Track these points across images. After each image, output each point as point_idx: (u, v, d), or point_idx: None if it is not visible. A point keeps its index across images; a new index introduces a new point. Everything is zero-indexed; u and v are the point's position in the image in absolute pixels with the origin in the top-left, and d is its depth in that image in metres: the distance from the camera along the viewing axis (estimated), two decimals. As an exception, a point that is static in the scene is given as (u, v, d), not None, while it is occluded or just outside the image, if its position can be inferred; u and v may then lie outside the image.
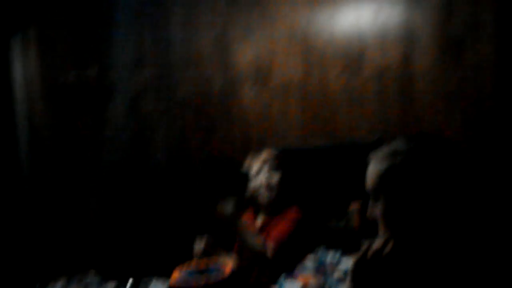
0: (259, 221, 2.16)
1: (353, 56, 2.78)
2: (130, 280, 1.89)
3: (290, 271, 1.54)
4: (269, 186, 2.10)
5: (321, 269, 1.53)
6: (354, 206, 2.48)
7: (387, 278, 1.13)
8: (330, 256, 1.63)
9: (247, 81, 3.14)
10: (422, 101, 2.62)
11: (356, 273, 1.15)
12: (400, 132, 2.66)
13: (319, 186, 2.51)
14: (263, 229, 2.10)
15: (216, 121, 3.28)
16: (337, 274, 1.50)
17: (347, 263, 1.57)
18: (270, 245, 1.88)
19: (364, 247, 1.16)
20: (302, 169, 2.47)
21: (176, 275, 1.66)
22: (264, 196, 2.11)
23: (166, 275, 2.05)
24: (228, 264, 1.72)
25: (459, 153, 1.15)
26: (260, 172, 2.11)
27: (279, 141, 3.01)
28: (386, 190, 1.12)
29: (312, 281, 1.45)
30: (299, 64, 2.94)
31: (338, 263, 1.58)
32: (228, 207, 1.84)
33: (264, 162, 2.13)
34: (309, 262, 1.59)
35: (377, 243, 1.13)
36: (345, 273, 1.50)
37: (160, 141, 3.46)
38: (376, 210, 1.16)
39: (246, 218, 2.25)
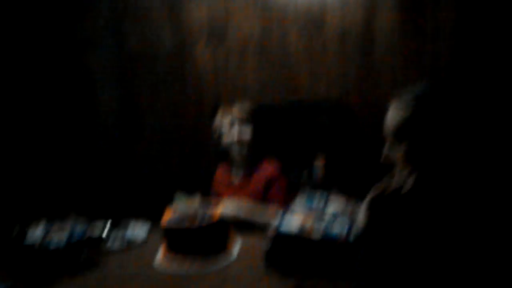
0: (234, 177, 2.16)
1: (314, 17, 2.82)
2: (109, 221, 1.83)
3: (286, 208, 1.57)
4: (241, 141, 2.10)
5: (312, 209, 1.58)
6: (318, 161, 2.57)
7: (403, 214, 1.20)
8: (318, 196, 1.69)
9: (202, 37, 3.08)
10: (381, 64, 2.73)
11: (372, 208, 1.21)
12: (359, 92, 2.77)
13: (287, 141, 2.56)
14: (241, 185, 2.10)
15: (167, 77, 3.19)
16: (328, 213, 1.55)
17: (335, 202, 1.63)
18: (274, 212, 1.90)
19: (381, 184, 1.22)
20: (271, 124, 2.50)
21: (167, 217, 1.62)
22: (236, 151, 2.11)
23: (146, 217, 2.00)
24: (217, 208, 1.71)
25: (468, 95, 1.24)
26: (232, 128, 2.11)
27: (235, 100, 3.00)
28: (410, 132, 1.17)
29: (309, 218, 1.50)
30: (257, 21, 2.93)
31: (326, 202, 1.64)
32: None
33: (235, 117, 2.12)
34: (300, 202, 1.64)
35: (397, 180, 1.20)
36: (335, 214, 1.56)
37: (107, 97, 3.32)
38: (395, 152, 1.21)
39: (219, 174, 2.24)
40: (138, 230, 1.90)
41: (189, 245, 1.53)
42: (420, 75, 2.62)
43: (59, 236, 1.56)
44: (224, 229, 1.63)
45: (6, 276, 1.49)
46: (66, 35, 3.31)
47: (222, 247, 1.61)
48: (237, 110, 2.12)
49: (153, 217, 1.93)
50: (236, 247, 1.67)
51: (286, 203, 1.93)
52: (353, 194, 1.80)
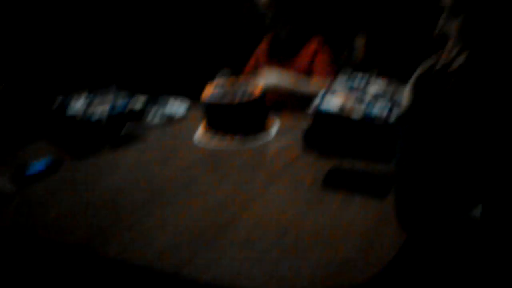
0: (278, 52, 2.07)
1: None
2: (149, 96, 1.84)
3: (327, 86, 1.52)
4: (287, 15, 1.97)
5: (354, 88, 1.53)
6: (359, 39, 2.45)
7: (450, 95, 1.13)
8: (359, 76, 1.62)
9: None
10: None
11: (418, 86, 1.14)
12: None
13: (329, 18, 2.42)
14: (284, 60, 2.03)
15: None
16: (370, 93, 1.50)
17: (377, 83, 1.57)
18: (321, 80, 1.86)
19: (431, 59, 1.13)
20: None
21: (208, 92, 1.61)
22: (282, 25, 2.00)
23: (186, 95, 2.01)
24: (257, 85, 1.68)
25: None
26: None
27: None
28: (469, 2, 1.05)
29: (349, 98, 1.45)
30: None
31: (368, 82, 1.58)
32: None
33: None
34: (341, 80, 1.58)
35: (448, 55, 1.11)
36: (376, 95, 1.50)
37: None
38: (450, 25, 1.11)
39: (262, 49, 2.15)
40: (177, 107, 1.91)
41: (229, 121, 1.53)
42: None
43: (101, 108, 1.57)
44: (264, 106, 1.61)
45: (49, 148, 1.55)
46: None
47: (261, 124, 1.61)
48: None
49: (193, 95, 1.92)
50: (275, 125, 1.67)
51: (329, 76, 1.87)
52: (395, 75, 1.73)
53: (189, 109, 1.88)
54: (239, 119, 1.54)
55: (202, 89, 1.71)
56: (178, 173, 1.37)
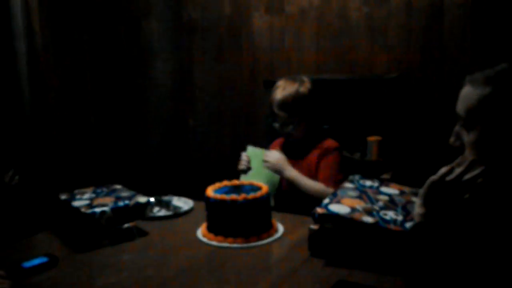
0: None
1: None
2: (154, 197, 1.82)
3: (332, 194, 1.47)
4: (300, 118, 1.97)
5: (363, 195, 1.47)
6: (372, 139, 2.44)
7: (464, 204, 1.08)
8: (368, 184, 1.57)
9: (260, 7, 2.98)
10: (448, 39, 2.53)
11: (431, 195, 1.09)
12: (422, 69, 2.59)
13: (344, 118, 2.45)
14: (295, 162, 2.01)
15: (224, 48, 3.14)
16: (382, 201, 1.44)
17: (387, 191, 1.52)
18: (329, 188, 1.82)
19: (443, 170, 1.09)
20: (330, 99, 2.38)
21: (210, 192, 1.57)
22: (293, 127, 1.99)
23: (187, 195, 1.99)
24: (263, 185, 1.64)
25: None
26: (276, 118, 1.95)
27: (292, 72, 2.90)
28: (486, 115, 1.01)
29: (359, 205, 1.39)
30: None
31: (378, 190, 1.52)
32: None
33: (275, 107, 1.92)
34: (348, 187, 1.53)
35: (461, 167, 1.07)
36: (390, 200, 1.45)
37: (162, 65, 3.33)
38: (466, 134, 1.08)
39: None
40: (183, 203, 1.89)
41: (233, 218, 1.48)
42: (492, 55, 2.40)
43: (106, 201, 1.55)
44: (269, 205, 1.56)
45: (50, 241, 1.52)
46: (122, 4, 3.32)
47: (267, 223, 1.55)
48: (296, 85, 1.91)
49: (199, 196, 1.91)
50: (279, 225, 1.61)
51: (335, 181, 1.85)
52: (408, 180, 1.68)
53: (194, 206, 1.84)
54: (243, 217, 1.48)
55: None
56: (178, 274, 1.30)
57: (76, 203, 1.54)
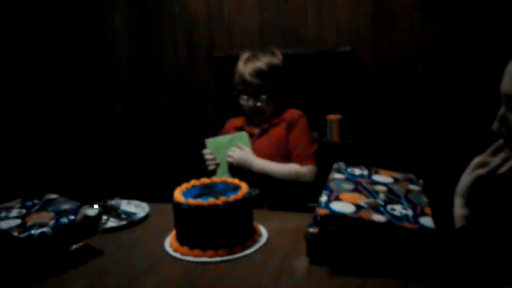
0: (252, 128, 1.83)
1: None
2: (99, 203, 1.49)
3: (326, 189, 1.27)
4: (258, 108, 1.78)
5: (359, 188, 1.28)
6: (332, 118, 2.27)
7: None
8: (358, 172, 1.39)
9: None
10: (397, 10, 2.41)
11: (477, 192, 0.92)
12: (371, 42, 2.46)
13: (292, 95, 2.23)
14: (259, 135, 1.81)
15: (153, 20, 2.79)
16: (381, 192, 1.26)
17: (381, 179, 1.34)
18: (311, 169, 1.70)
19: (492, 163, 0.92)
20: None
21: (180, 197, 1.29)
22: (253, 117, 1.81)
23: (133, 197, 1.69)
24: (239, 182, 1.39)
25: None
26: (245, 92, 1.78)
27: (234, 47, 2.64)
28: None
29: (361, 200, 1.19)
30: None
31: (371, 180, 1.35)
32: None
33: (244, 80, 1.75)
34: (340, 179, 1.33)
35: (506, 158, 0.90)
36: (389, 191, 1.27)
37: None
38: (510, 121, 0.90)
39: (231, 126, 1.90)
40: (135, 207, 1.58)
41: (214, 227, 1.22)
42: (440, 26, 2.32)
43: (43, 218, 1.21)
44: (251, 204, 1.32)
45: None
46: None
47: (250, 227, 1.31)
48: (269, 55, 1.76)
49: (148, 196, 1.67)
50: (260, 225, 1.38)
51: (311, 154, 1.72)
52: (372, 162, 1.54)
53: (150, 213, 1.54)
54: (225, 224, 1.23)
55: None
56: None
57: (2, 225, 1.19)
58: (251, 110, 1.77)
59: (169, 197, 1.31)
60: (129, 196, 1.67)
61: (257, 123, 1.82)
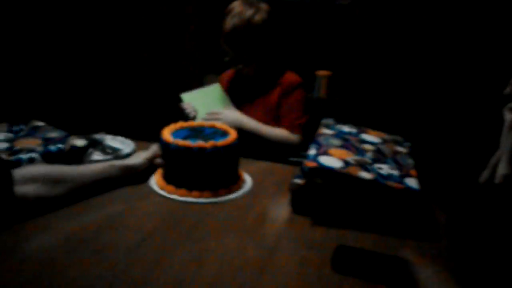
0: (244, 88, 1.79)
1: None
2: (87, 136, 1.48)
3: (314, 143, 1.28)
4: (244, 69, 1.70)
5: (348, 145, 1.30)
6: (321, 74, 2.26)
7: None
8: (347, 130, 1.41)
9: None
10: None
11: None
12: None
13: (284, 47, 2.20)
14: (251, 97, 1.76)
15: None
16: (369, 151, 1.28)
17: (369, 138, 1.37)
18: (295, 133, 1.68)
19: None
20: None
21: (168, 136, 1.28)
22: (243, 73, 1.72)
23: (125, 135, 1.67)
24: (228, 128, 1.39)
25: None
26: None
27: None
28: None
29: (349, 157, 1.21)
30: None
31: (359, 138, 1.37)
32: None
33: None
34: (328, 134, 1.35)
35: None
36: (377, 150, 1.30)
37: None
38: None
39: (223, 82, 1.85)
40: (121, 144, 1.57)
41: (200, 169, 1.23)
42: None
43: (32, 144, 1.20)
44: (238, 151, 1.33)
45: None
46: None
47: (235, 173, 1.33)
48: (251, 11, 1.62)
49: (136, 135, 1.63)
50: (245, 173, 1.39)
51: (300, 124, 1.67)
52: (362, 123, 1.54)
53: (135, 150, 1.53)
54: (212, 167, 1.24)
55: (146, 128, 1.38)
56: (144, 239, 1.04)
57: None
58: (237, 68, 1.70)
59: (153, 137, 1.30)
60: (113, 133, 1.65)
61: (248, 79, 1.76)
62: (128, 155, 1.49)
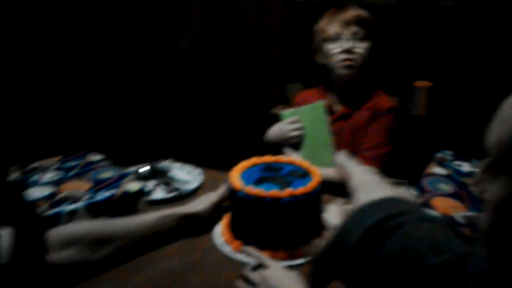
0: (334, 103, 1.57)
1: None
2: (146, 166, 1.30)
3: (418, 187, 1.00)
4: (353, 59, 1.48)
5: (460, 192, 1.00)
6: (421, 85, 1.93)
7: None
8: (466, 167, 1.10)
9: None
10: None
11: None
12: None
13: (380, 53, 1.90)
14: (343, 115, 1.55)
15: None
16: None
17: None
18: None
19: None
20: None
21: (237, 181, 1.05)
22: (343, 73, 1.49)
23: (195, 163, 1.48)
24: (309, 166, 1.14)
25: None
26: (340, 37, 1.47)
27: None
28: None
29: (457, 213, 0.92)
30: None
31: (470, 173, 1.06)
32: None
33: (345, 25, 1.47)
34: (440, 175, 1.06)
35: None
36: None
37: None
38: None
39: (306, 97, 1.63)
40: (187, 174, 1.38)
41: (274, 223, 0.99)
42: None
43: (76, 190, 1.02)
44: (321, 198, 1.07)
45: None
46: None
47: (318, 224, 1.07)
48: (353, 15, 1.48)
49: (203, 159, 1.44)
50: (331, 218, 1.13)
51: (380, 156, 1.46)
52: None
53: (203, 183, 1.33)
54: (288, 221, 0.99)
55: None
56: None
57: (33, 192, 1.01)
58: (341, 59, 1.47)
59: (228, 165, 1.09)
60: (181, 158, 1.47)
61: (340, 95, 1.56)
62: (194, 191, 1.30)
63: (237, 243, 1.03)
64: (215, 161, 1.52)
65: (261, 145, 1.56)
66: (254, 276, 0.88)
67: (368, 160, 1.43)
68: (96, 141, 1.57)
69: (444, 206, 0.94)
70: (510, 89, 0.56)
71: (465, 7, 1.91)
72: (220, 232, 1.09)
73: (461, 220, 0.90)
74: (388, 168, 1.45)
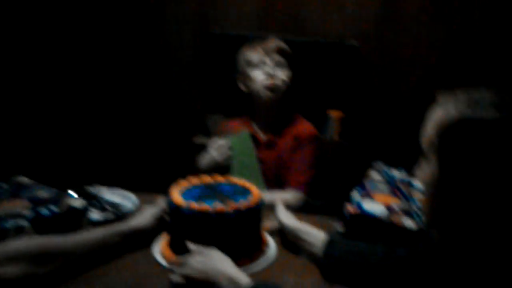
0: (259, 132, 1.67)
1: None
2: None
3: (360, 186, 1.18)
4: (278, 84, 1.60)
5: (395, 190, 1.17)
6: (334, 114, 2.11)
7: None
8: (397, 174, 1.27)
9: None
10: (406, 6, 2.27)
11: None
12: (377, 36, 2.31)
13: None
14: (268, 143, 1.65)
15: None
16: (417, 197, 1.16)
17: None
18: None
19: None
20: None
21: (179, 198, 1.09)
22: (268, 97, 1.60)
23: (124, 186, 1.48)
24: (246, 183, 1.21)
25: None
26: (263, 63, 1.59)
27: (231, 26, 2.43)
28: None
29: (394, 203, 1.10)
30: None
31: (409, 182, 1.23)
32: None
33: (267, 53, 1.59)
34: (377, 180, 1.22)
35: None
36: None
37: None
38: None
39: (232, 128, 1.71)
40: (121, 198, 1.38)
41: (220, 237, 1.04)
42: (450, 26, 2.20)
43: (18, 207, 1.00)
44: (261, 214, 1.15)
45: None
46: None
47: (258, 237, 1.14)
48: (274, 45, 1.62)
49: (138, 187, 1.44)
50: (271, 241, 1.20)
51: (306, 182, 1.58)
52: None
53: (139, 206, 1.34)
54: (233, 234, 1.05)
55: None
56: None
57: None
58: (265, 83, 1.58)
59: (157, 188, 1.12)
60: (109, 184, 1.46)
61: (264, 123, 1.67)
62: (132, 212, 1.30)
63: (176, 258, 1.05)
64: (143, 185, 1.53)
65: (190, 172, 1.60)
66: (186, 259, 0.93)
67: (294, 187, 1.53)
68: (19, 165, 1.51)
69: (383, 199, 1.12)
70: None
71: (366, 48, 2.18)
72: (160, 250, 1.11)
73: (397, 208, 1.09)
74: (314, 191, 1.57)
